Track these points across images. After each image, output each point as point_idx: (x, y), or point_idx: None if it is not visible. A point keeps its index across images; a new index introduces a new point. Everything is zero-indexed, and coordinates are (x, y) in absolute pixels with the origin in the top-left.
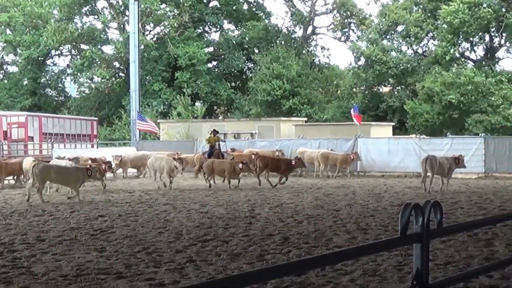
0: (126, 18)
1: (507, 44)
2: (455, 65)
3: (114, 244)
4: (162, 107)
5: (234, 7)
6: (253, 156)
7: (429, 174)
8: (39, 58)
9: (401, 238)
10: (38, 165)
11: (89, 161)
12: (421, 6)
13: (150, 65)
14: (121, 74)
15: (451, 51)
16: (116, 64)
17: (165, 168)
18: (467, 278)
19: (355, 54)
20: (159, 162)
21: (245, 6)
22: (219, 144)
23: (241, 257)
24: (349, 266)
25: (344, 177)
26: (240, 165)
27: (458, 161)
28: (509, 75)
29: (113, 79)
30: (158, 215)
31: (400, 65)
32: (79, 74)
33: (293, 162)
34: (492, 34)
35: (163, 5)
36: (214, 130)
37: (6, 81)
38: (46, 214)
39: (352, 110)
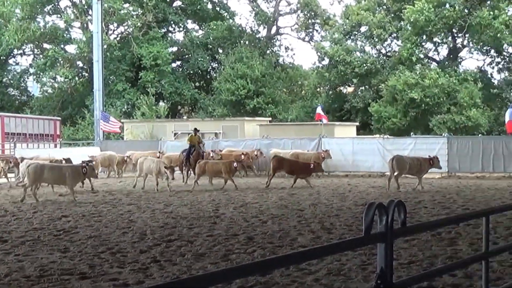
0: (89, 17)
1: (470, 44)
2: (418, 66)
3: (78, 245)
4: (126, 107)
5: (198, 7)
6: (242, 156)
7: (395, 173)
8: (1, 58)
9: (365, 237)
10: (32, 165)
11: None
12: (384, 7)
13: (113, 65)
14: (84, 73)
15: (416, 52)
16: (79, 63)
17: (153, 170)
18: (431, 277)
19: (319, 54)
20: (149, 163)
21: (209, 6)
22: (203, 145)
23: (205, 257)
24: (313, 265)
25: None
26: (235, 164)
27: (432, 162)
28: (472, 74)
29: (76, 78)
30: (122, 215)
31: (364, 65)
32: (41, 73)
33: (312, 166)
34: (455, 34)
35: (127, 5)
36: (195, 129)
37: None
38: (8, 215)
39: (319, 109)
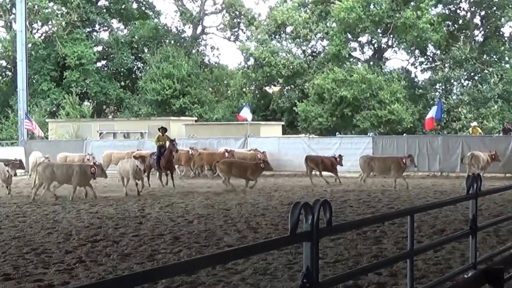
0: (13, 16)
1: (394, 45)
2: (347, 63)
3: (2, 246)
4: (51, 107)
5: (123, 6)
6: (226, 154)
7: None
8: None
9: (291, 236)
10: (41, 164)
11: None
12: (309, 7)
13: (38, 64)
14: (8, 73)
15: (344, 50)
16: (3, 63)
17: (130, 171)
18: (356, 276)
19: (244, 55)
20: (124, 165)
21: (134, 5)
22: (173, 144)
23: (131, 257)
24: (239, 265)
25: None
26: (262, 164)
27: (405, 162)
28: (397, 73)
29: (0, 78)
30: (47, 215)
31: (290, 66)
32: None
33: (338, 160)
34: (381, 34)
35: (51, 3)
36: (162, 127)
37: None
38: None
39: (246, 111)
